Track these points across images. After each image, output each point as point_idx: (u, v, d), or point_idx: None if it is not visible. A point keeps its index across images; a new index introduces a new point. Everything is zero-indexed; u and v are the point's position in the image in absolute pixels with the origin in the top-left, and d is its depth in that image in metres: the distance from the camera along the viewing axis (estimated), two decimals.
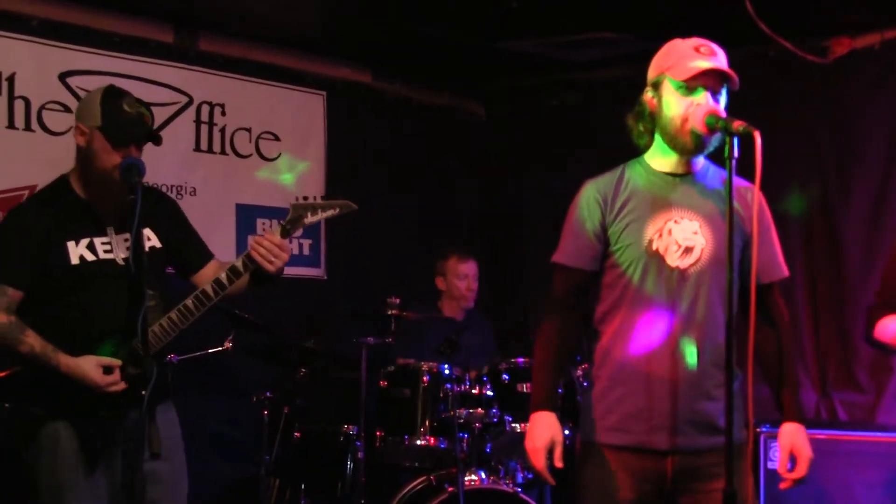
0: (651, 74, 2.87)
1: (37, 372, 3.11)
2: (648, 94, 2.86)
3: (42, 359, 3.09)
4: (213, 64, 5.48)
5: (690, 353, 2.75)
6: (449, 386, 4.54)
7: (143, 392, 2.69)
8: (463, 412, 4.48)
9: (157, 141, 3.26)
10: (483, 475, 4.46)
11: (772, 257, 2.91)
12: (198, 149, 5.43)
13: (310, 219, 3.24)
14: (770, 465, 4.45)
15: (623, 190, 2.85)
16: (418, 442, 4.52)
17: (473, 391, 4.58)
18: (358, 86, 6.18)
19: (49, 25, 4.88)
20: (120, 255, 3.24)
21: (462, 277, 5.47)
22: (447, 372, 4.59)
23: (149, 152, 5.09)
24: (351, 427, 4.75)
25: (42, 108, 4.87)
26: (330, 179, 5.98)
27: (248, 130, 5.62)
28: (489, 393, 4.60)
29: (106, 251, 3.23)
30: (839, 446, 4.44)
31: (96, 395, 3.11)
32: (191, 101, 5.39)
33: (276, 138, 5.77)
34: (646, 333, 2.77)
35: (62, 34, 4.93)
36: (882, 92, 5.19)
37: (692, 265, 2.77)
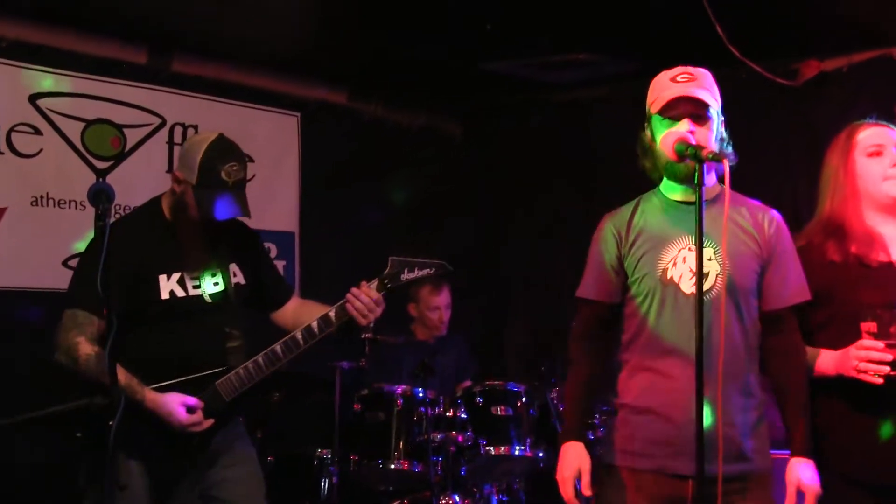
0: (646, 111, 2.90)
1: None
2: (646, 132, 2.89)
3: (126, 391, 3.00)
4: (187, 85, 5.47)
5: (712, 380, 2.70)
6: (423, 409, 4.53)
7: (110, 423, 2.66)
8: (437, 435, 4.47)
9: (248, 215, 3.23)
10: (457, 498, 4.45)
11: (781, 282, 2.86)
12: (171, 170, 5.38)
13: (406, 275, 3.29)
14: None
15: (636, 222, 2.88)
16: (392, 465, 4.51)
17: (448, 414, 4.58)
18: (333, 106, 6.18)
19: (19, 46, 4.85)
20: (208, 290, 3.25)
21: (434, 309, 5.43)
22: (421, 395, 4.58)
23: (123, 175, 5.14)
24: (325, 451, 4.73)
25: (11, 130, 4.84)
26: (304, 201, 5.96)
27: None
28: (463, 416, 4.60)
29: (195, 286, 3.24)
30: None
31: (172, 435, 3.11)
32: (164, 123, 5.37)
33: (250, 159, 5.72)
34: (666, 362, 2.77)
35: (32, 55, 4.90)
36: (850, 113, 5.17)
37: (708, 290, 2.75)
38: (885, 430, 2.84)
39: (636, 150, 2.94)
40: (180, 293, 3.20)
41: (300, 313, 3.42)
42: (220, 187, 3.13)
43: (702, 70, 2.84)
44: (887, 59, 5.12)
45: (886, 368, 2.71)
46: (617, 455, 2.85)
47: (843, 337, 2.84)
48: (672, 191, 2.89)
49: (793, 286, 2.87)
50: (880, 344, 2.72)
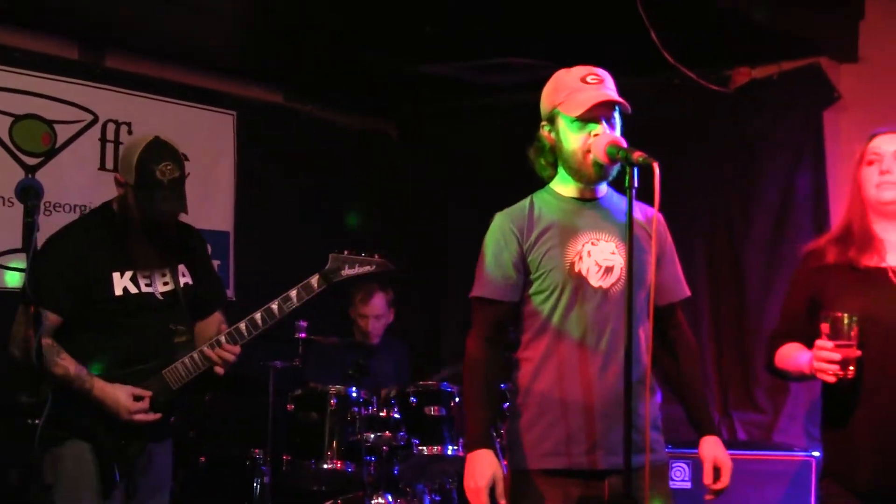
0: (544, 109, 2.89)
1: (67, 395, 3.13)
2: (545, 129, 2.88)
3: (76, 382, 3.16)
4: (120, 82, 5.38)
5: (618, 373, 2.71)
6: (356, 409, 4.53)
7: (37, 421, 2.65)
8: (371, 435, 4.47)
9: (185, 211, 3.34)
10: (390, 498, 4.46)
11: (674, 277, 2.97)
12: (103, 168, 5.31)
13: (347, 272, 3.42)
14: (671, 485, 4.53)
15: (537, 217, 2.85)
16: (325, 465, 4.50)
17: (381, 414, 4.58)
18: (269, 106, 6.15)
19: None
20: (158, 288, 3.34)
21: (362, 317, 5.38)
22: (355, 395, 4.57)
23: (54, 171, 5.05)
24: (257, 451, 4.70)
25: None
26: (239, 200, 5.92)
27: None
28: (397, 416, 4.60)
29: (147, 284, 3.33)
30: (739, 465, 4.47)
31: (121, 423, 3.19)
32: (96, 120, 5.28)
33: (185, 158, 5.62)
34: (573, 356, 2.77)
35: None
36: (781, 120, 5.37)
37: (614, 284, 2.78)
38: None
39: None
40: (133, 290, 3.29)
41: (211, 331, 3.47)
42: (155, 187, 3.22)
43: (603, 70, 2.87)
44: (816, 67, 5.24)
45: (836, 367, 2.76)
46: (530, 459, 2.80)
47: None
48: (566, 188, 2.90)
49: (682, 281, 2.99)
50: (830, 344, 2.77)
